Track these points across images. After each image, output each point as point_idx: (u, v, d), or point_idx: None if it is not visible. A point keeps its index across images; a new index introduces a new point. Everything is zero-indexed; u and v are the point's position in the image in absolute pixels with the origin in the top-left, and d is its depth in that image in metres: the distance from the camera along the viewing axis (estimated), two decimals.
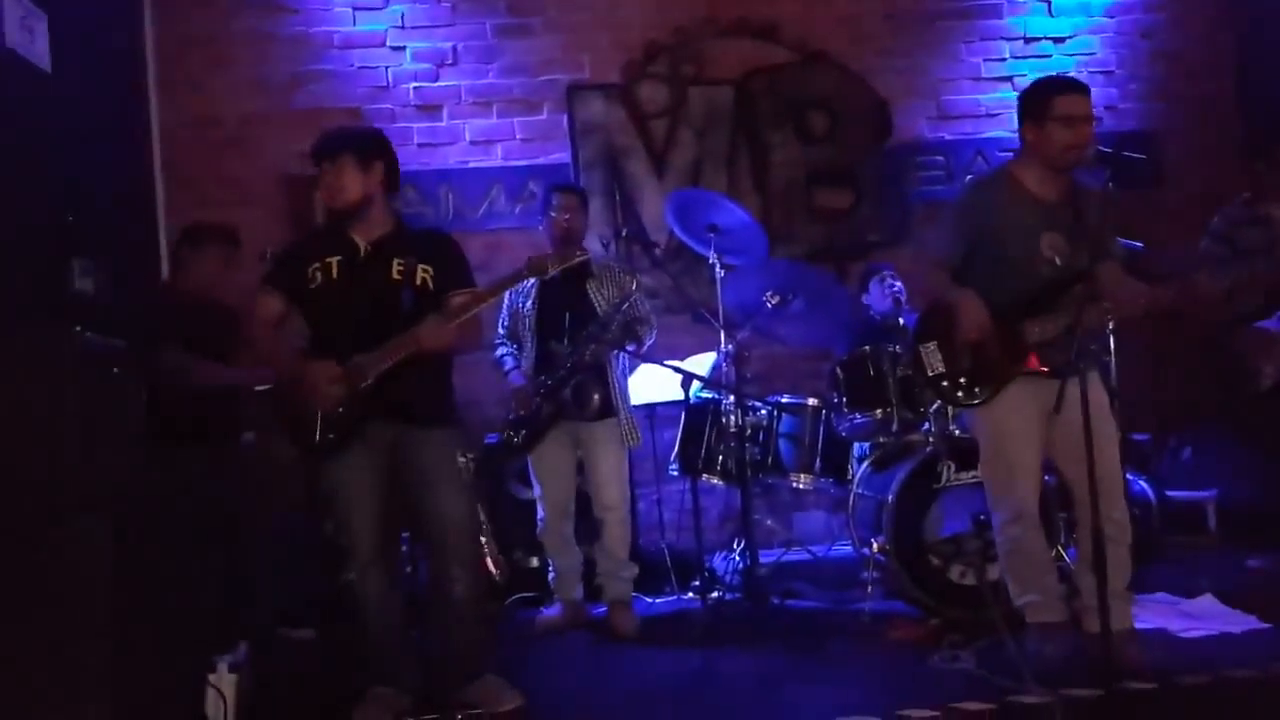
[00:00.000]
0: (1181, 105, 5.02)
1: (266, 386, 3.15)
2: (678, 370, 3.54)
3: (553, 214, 3.56)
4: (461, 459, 2.73)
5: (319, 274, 2.67)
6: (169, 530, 2.88)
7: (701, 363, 3.95)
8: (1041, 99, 2.72)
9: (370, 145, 2.71)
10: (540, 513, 3.63)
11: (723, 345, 3.77)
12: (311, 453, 2.68)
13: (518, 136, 4.72)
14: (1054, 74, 2.96)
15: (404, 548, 3.25)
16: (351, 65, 4.65)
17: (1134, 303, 2.73)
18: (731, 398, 3.68)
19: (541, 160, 4.70)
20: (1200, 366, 4.00)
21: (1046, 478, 3.02)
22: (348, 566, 2.69)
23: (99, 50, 3.80)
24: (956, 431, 3.52)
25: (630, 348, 3.51)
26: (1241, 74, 5.00)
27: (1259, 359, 3.53)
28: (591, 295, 3.53)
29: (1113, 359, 3.96)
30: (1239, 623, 3.07)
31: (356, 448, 2.64)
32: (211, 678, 2.52)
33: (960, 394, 2.89)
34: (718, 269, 3.83)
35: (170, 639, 2.48)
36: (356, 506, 2.68)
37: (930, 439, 3.56)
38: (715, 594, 3.75)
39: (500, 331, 3.67)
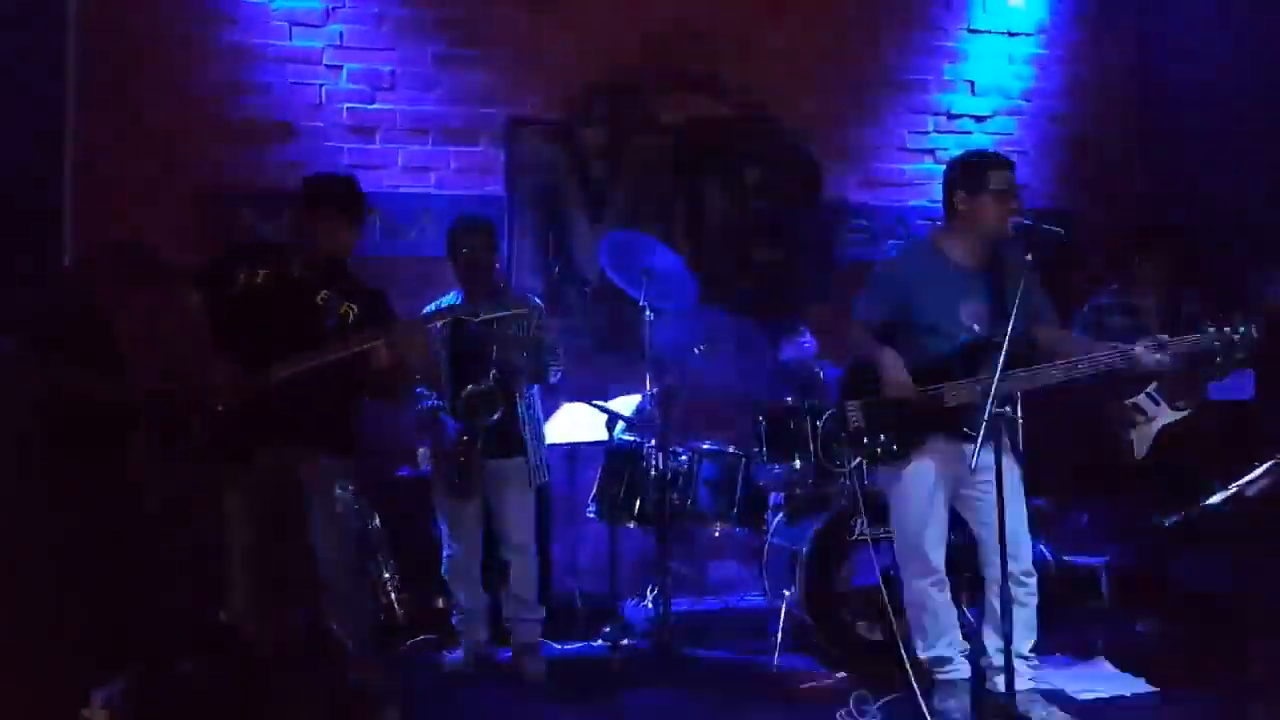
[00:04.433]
0: (1088, 188, 5.32)
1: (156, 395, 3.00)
2: (603, 410, 3.52)
3: (461, 250, 3.48)
4: (339, 490, 2.67)
5: (244, 278, 2.65)
6: (49, 546, 2.70)
7: (627, 405, 3.94)
8: (977, 171, 2.85)
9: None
10: (446, 551, 3.53)
11: (648, 388, 3.77)
12: (188, 456, 2.56)
13: (452, 166, 4.67)
14: (984, 148, 3.10)
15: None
16: (285, 80, 4.54)
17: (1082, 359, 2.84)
18: (654, 441, 3.67)
19: (476, 192, 4.65)
20: (1100, 436, 4.19)
21: (951, 536, 3.11)
22: (225, 601, 2.58)
23: (13, 35, 3.62)
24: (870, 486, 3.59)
25: (531, 379, 3.47)
26: (1145, 162, 5.34)
27: (1127, 432, 3.76)
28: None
29: (1020, 425, 4.12)
30: (1129, 686, 3.21)
31: (242, 475, 2.55)
32: (85, 712, 2.35)
33: (879, 450, 2.95)
34: (648, 312, 3.85)
35: (43, 665, 2.31)
36: (237, 541, 2.59)
37: (845, 492, 3.62)
38: (626, 641, 3.70)
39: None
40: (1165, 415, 3.72)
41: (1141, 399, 3.74)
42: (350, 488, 2.66)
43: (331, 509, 2.66)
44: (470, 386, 3.26)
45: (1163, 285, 3.83)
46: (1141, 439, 3.75)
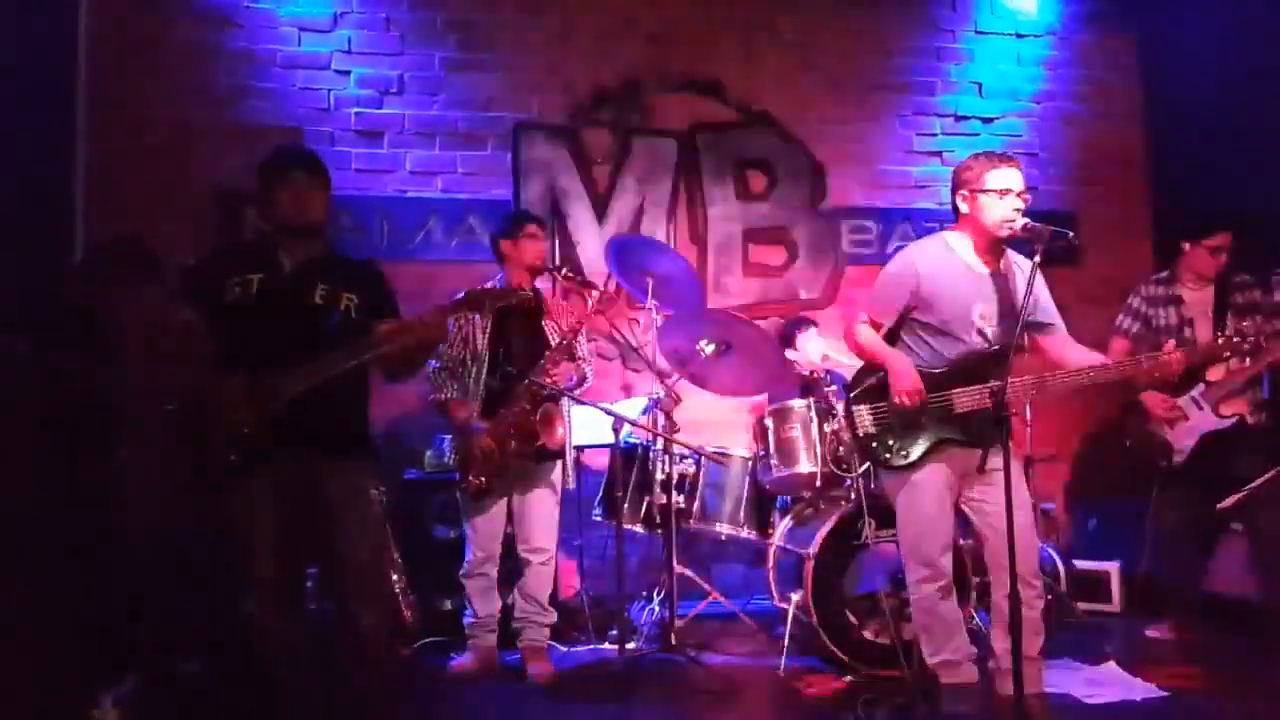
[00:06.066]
0: (1097, 190, 5.30)
1: (172, 406, 3.01)
2: (609, 413, 3.51)
3: (526, 240, 3.51)
4: (374, 492, 2.64)
5: (237, 289, 2.58)
6: (52, 547, 2.70)
7: (633, 407, 3.93)
8: (978, 170, 2.84)
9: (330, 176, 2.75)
10: (469, 554, 3.51)
11: (654, 391, 3.77)
12: (214, 476, 2.55)
13: (459, 170, 4.70)
14: (988, 149, 3.08)
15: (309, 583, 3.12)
16: (294, 85, 4.57)
17: (1089, 367, 2.83)
18: (660, 444, 3.67)
19: (482, 195, 4.68)
20: (1112, 441, 4.15)
21: (959, 540, 3.08)
22: (247, 600, 2.56)
23: (23, 40, 3.64)
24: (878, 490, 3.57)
25: (572, 382, 3.49)
26: (1154, 164, 5.31)
27: (1173, 436, 3.68)
28: (546, 329, 3.51)
29: (1029, 430, 4.10)
30: (1139, 690, 3.17)
31: (263, 474, 2.52)
32: (95, 712, 2.36)
33: (887, 455, 2.93)
34: (653, 315, 3.84)
35: (51, 666, 2.31)
36: (259, 537, 2.55)
37: (853, 496, 3.60)
38: (632, 644, 3.69)
39: (433, 364, 3.48)
40: (1209, 421, 3.61)
41: (1184, 401, 3.65)
42: (382, 490, 2.64)
43: (369, 514, 2.63)
44: (545, 407, 3.35)
45: (1214, 276, 3.70)
46: (1181, 443, 3.65)
